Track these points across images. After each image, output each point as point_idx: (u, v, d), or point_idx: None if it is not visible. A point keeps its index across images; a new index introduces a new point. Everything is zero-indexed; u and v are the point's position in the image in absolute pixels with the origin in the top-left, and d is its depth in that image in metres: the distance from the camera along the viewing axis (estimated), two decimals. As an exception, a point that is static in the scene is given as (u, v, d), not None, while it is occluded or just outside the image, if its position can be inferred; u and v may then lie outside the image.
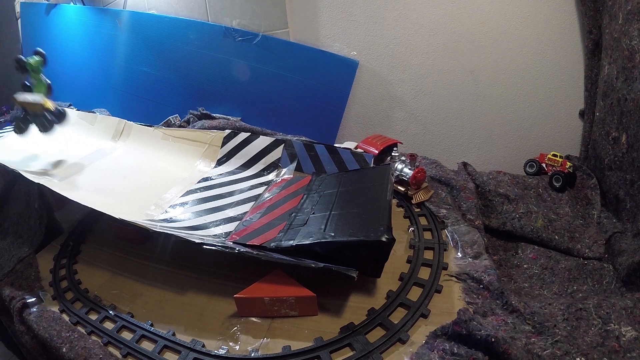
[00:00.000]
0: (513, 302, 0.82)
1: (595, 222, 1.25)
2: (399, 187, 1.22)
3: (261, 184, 1.34)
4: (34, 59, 1.39)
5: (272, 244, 0.95)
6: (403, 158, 1.23)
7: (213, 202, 1.25)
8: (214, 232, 1.08)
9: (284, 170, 1.39)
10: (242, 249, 0.93)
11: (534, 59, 1.49)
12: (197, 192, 1.31)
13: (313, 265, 0.85)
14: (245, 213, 1.16)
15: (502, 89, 1.56)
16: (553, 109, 1.54)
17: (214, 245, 0.93)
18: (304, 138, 1.52)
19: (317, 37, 1.68)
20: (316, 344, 0.79)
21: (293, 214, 1.05)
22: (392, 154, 1.25)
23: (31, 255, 1.22)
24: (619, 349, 0.68)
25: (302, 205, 1.09)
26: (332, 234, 0.90)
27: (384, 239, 0.83)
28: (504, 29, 1.48)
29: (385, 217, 0.91)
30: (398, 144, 1.33)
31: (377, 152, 1.27)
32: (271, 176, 1.38)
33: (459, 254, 0.99)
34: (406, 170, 1.20)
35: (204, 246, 0.92)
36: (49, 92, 1.43)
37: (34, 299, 1.04)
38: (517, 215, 1.24)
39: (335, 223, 0.95)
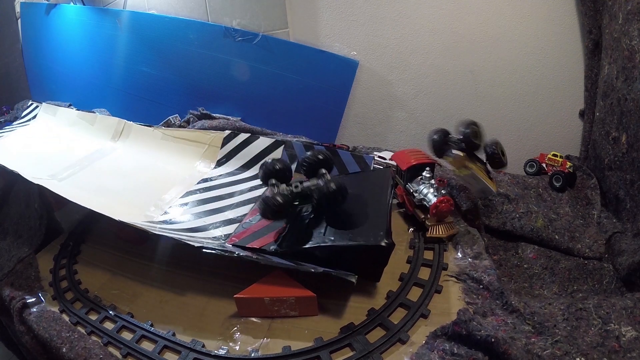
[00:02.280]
0: (513, 302, 0.82)
1: (595, 222, 1.25)
2: (418, 213, 1.07)
3: (261, 186, 1.33)
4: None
5: (272, 247, 0.95)
6: (433, 182, 1.06)
7: (213, 203, 1.25)
8: (214, 234, 1.07)
9: (284, 170, 1.39)
10: (242, 253, 0.93)
11: (534, 59, 1.49)
12: (197, 193, 1.31)
13: (312, 270, 0.85)
14: (245, 215, 1.16)
15: (502, 89, 1.56)
16: (553, 109, 1.54)
17: (214, 249, 0.93)
18: (304, 138, 1.52)
19: (317, 37, 1.67)
20: (316, 344, 0.79)
21: (293, 217, 1.05)
22: (424, 174, 1.07)
23: (31, 255, 1.22)
24: (619, 349, 0.68)
25: (302, 208, 1.09)
26: (332, 238, 0.90)
27: (383, 244, 0.83)
28: (504, 29, 1.48)
29: (385, 221, 0.91)
30: (435, 164, 1.14)
31: (404, 168, 1.11)
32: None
33: (459, 254, 0.98)
34: (430, 196, 1.02)
35: (204, 250, 0.92)
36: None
37: (34, 299, 1.04)
38: (517, 215, 1.24)
39: (334, 227, 0.95)
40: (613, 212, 1.25)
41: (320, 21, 1.65)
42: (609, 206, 1.29)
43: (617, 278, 1.05)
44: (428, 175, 1.06)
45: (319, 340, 0.79)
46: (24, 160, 1.48)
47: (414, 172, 1.09)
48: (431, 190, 1.03)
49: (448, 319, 0.78)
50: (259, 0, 1.69)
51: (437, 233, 1.02)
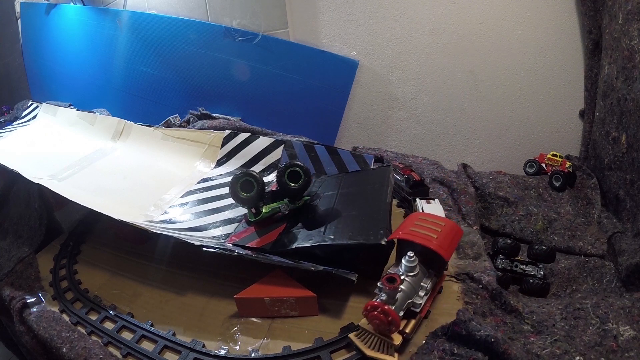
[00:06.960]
0: (512, 302, 0.82)
1: (595, 222, 1.25)
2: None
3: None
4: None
5: (272, 246, 0.95)
6: (404, 268, 0.76)
7: (212, 203, 1.25)
8: (213, 234, 1.07)
9: (284, 170, 1.39)
10: (242, 252, 0.93)
11: (534, 59, 1.49)
12: (197, 193, 1.31)
13: (312, 269, 0.85)
14: (245, 214, 1.16)
15: (502, 89, 1.56)
16: (553, 109, 1.54)
17: (214, 248, 0.93)
18: (304, 138, 1.52)
19: (317, 37, 1.68)
20: (316, 344, 0.79)
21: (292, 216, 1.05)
22: (403, 260, 0.77)
23: (31, 255, 1.22)
24: (617, 348, 0.68)
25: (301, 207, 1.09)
26: (332, 237, 0.90)
27: (383, 242, 0.83)
28: (504, 29, 1.48)
29: (385, 219, 0.91)
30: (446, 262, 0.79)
31: (387, 238, 0.84)
32: (271, 177, 1.38)
33: (459, 255, 0.99)
34: (382, 294, 0.71)
35: (204, 248, 0.92)
36: None
37: (34, 299, 1.04)
38: (517, 218, 1.24)
39: (334, 225, 0.95)
40: (613, 212, 1.25)
41: (320, 21, 1.66)
42: (609, 206, 1.29)
43: (618, 277, 1.05)
44: (409, 264, 0.75)
45: (319, 340, 0.79)
46: (24, 160, 1.48)
47: (409, 247, 0.78)
48: (383, 288, 0.72)
49: (448, 318, 0.78)
50: (259, 0, 1.69)
51: (360, 342, 0.72)
